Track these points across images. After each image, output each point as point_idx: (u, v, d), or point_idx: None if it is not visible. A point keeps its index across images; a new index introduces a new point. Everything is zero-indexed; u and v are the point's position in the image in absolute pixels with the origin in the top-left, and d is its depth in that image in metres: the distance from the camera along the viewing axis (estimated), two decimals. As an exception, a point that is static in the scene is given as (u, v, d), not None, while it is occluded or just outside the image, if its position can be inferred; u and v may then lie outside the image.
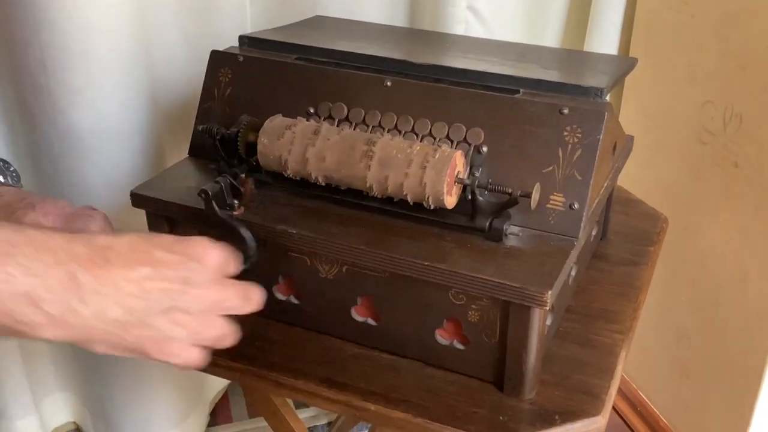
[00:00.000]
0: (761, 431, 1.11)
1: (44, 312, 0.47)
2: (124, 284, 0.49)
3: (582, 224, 0.66)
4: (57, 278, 0.47)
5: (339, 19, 1.00)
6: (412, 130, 0.71)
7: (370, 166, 0.66)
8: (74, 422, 1.36)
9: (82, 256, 0.48)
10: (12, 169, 0.73)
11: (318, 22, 0.97)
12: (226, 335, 0.55)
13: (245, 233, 0.64)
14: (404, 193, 0.65)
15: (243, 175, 0.70)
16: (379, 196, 0.67)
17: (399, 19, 1.19)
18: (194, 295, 0.52)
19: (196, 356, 0.53)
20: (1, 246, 0.46)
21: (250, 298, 0.56)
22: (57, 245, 0.48)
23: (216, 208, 0.66)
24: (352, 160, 0.67)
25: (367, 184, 0.66)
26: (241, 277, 0.56)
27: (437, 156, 0.65)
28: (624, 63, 0.84)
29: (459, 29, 1.14)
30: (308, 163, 0.68)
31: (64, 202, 0.67)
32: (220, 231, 0.64)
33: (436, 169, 0.64)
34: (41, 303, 0.46)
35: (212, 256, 0.53)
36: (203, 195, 0.68)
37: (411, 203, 0.66)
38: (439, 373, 0.68)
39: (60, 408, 1.33)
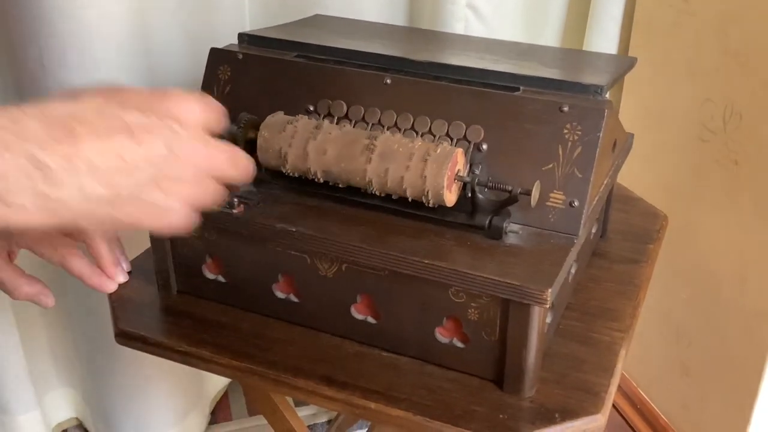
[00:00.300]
0: (761, 429, 1.11)
1: (14, 205, 0.41)
2: (100, 159, 0.43)
3: (582, 222, 0.66)
4: (14, 166, 0.40)
5: (339, 17, 1.00)
6: (412, 128, 0.71)
7: (370, 160, 0.66)
8: (76, 418, 1.36)
9: (37, 134, 0.41)
10: None
11: (318, 21, 0.96)
12: (216, 194, 0.51)
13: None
14: (404, 188, 0.65)
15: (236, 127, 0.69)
16: (379, 193, 0.67)
17: (398, 17, 1.19)
18: (181, 160, 0.47)
19: (188, 219, 0.49)
20: None
21: (238, 162, 0.51)
22: (2, 126, 0.41)
23: None
24: (352, 154, 0.67)
25: (367, 180, 0.66)
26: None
27: (438, 152, 0.65)
28: (624, 62, 0.84)
29: (458, 27, 1.14)
30: (308, 157, 0.68)
31: None
32: None
33: (437, 165, 0.64)
34: (6, 196, 0.40)
35: (193, 112, 0.48)
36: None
37: (410, 200, 0.66)
38: (438, 371, 0.68)
39: (62, 404, 1.33)
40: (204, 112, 0.49)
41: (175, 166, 0.47)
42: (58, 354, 1.27)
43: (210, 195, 0.50)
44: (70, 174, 0.42)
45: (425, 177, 0.64)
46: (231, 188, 0.69)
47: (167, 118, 0.46)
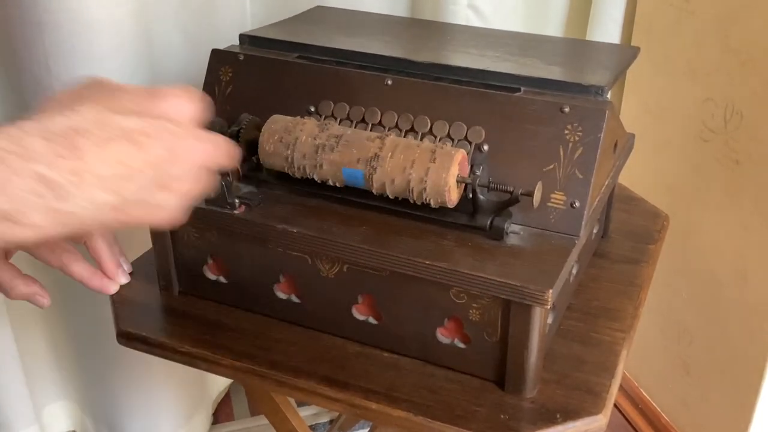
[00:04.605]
0: (762, 428, 1.11)
1: (28, 224, 0.42)
2: (105, 168, 0.44)
3: (583, 222, 0.66)
4: (24, 189, 0.41)
5: (339, 9, 0.99)
6: (413, 129, 0.71)
7: (376, 163, 0.66)
8: (74, 431, 1.35)
9: (42, 153, 0.42)
10: None
11: (318, 14, 0.96)
12: (211, 185, 0.53)
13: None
14: (409, 190, 0.65)
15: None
16: (382, 195, 0.67)
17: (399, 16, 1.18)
18: (180, 159, 0.48)
19: (182, 214, 0.51)
20: None
21: (228, 151, 0.53)
22: (7, 150, 0.41)
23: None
24: (358, 156, 0.67)
25: (372, 181, 0.66)
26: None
27: (442, 154, 0.65)
28: (626, 53, 0.84)
29: (459, 27, 1.14)
30: (311, 160, 0.68)
31: None
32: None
33: (442, 167, 0.64)
34: (20, 217, 0.42)
35: (184, 109, 0.50)
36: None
37: (413, 202, 0.66)
38: (440, 371, 0.68)
39: (60, 417, 1.32)
40: (194, 107, 0.50)
41: (175, 166, 0.48)
42: (57, 366, 1.26)
43: (203, 186, 0.51)
44: (78, 187, 0.43)
45: (430, 178, 0.64)
46: (232, 189, 0.70)
47: (162, 118, 0.48)
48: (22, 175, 0.41)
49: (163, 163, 0.47)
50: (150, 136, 0.46)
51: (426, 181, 0.64)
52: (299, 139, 0.69)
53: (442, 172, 0.64)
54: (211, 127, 0.73)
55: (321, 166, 0.68)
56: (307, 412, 1.42)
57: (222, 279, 0.75)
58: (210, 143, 0.51)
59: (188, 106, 0.50)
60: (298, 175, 0.70)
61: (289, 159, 0.69)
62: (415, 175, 0.64)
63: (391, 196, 0.67)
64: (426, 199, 0.65)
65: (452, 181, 0.64)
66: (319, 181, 0.70)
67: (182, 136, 0.48)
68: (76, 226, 0.45)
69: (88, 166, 0.43)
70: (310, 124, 0.70)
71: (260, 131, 0.71)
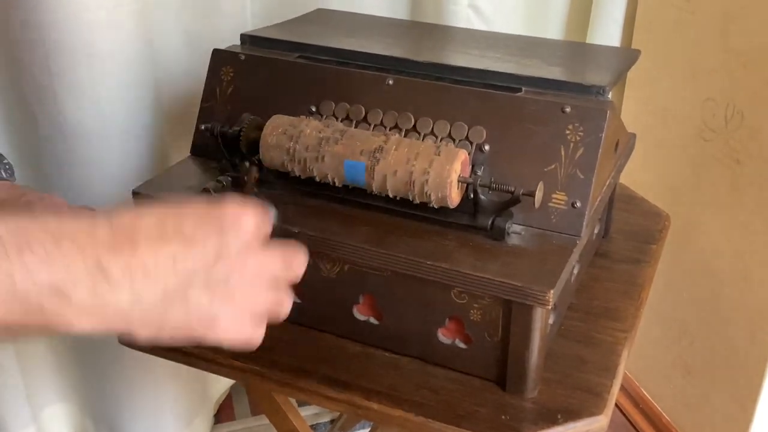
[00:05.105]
0: (763, 428, 1.11)
1: (74, 304, 0.43)
2: (154, 267, 0.45)
3: (584, 222, 0.66)
4: (82, 267, 0.43)
5: (340, 11, 0.99)
6: (414, 129, 0.71)
7: (378, 162, 0.66)
8: None
9: (105, 241, 0.44)
10: (5, 161, 0.73)
11: (319, 16, 0.96)
12: (281, 304, 0.50)
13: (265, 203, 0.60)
14: (410, 190, 0.65)
15: (247, 163, 0.70)
16: (384, 194, 0.67)
17: (400, 17, 1.18)
18: (230, 266, 0.47)
19: (251, 332, 0.49)
20: (15, 235, 0.41)
21: (292, 263, 0.50)
22: (76, 231, 0.44)
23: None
24: (360, 149, 0.67)
25: (373, 174, 0.66)
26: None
27: (446, 150, 0.65)
28: (626, 55, 0.84)
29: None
30: (312, 160, 0.68)
31: (62, 201, 0.67)
32: None
33: (443, 167, 0.64)
34: (69, 294, 0.43)
35: (246, 222, 0.48)
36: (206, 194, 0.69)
37: (414, 201, 0.66)
38: (441, 371, 0.68)
39: (59, 419, 1.31)
40: (256, 219, 0.49)
41: (223, 272, 0.47)
42: (58, 366, 1.26)
43: (266, 302, 0.49)
44: (126, 280, 0.44)
45: (433, 170, 0.64)
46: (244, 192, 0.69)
47: (221, 229, 0.47)
48: (85, 255, 0.43)
49: (212, 266, 0.46)
50: (205, 239, 0.47)
51: (429, 173, 0.64)
52: (304, 132, 0.69)
53: (446, 164, 0.64)
54: (211, 128, 0.73)
55: (322, 158, 0.67)
56: (308, 412, 1.42)
57: (223, 279, 0.75)
58: (269, 255, 0.49)
59: (251, 219, 0.48)
60: (297, 171, 0.70)
61: (291, 151, 0.69)
62: (419, 166, 0.64)
63: (391, 192, 0.67)
64: (427, 194, 0.65)
65: (454, 176, 0.64)
66: (318, 179, 0.69)
67: (235, 244, 0.47)
68: (117, 320, 0.45)
69: (139, 261, 0.45)
70: (309, 123, 0.70)
71: (261, 131, 0.71)
